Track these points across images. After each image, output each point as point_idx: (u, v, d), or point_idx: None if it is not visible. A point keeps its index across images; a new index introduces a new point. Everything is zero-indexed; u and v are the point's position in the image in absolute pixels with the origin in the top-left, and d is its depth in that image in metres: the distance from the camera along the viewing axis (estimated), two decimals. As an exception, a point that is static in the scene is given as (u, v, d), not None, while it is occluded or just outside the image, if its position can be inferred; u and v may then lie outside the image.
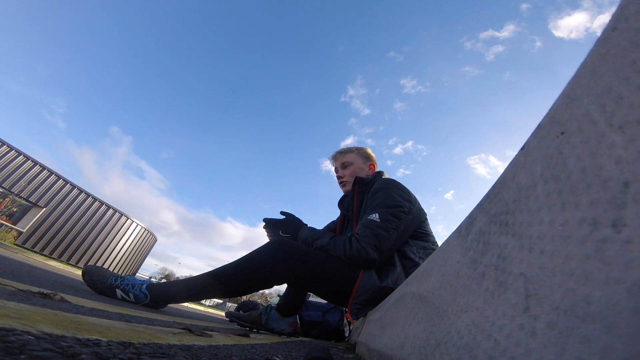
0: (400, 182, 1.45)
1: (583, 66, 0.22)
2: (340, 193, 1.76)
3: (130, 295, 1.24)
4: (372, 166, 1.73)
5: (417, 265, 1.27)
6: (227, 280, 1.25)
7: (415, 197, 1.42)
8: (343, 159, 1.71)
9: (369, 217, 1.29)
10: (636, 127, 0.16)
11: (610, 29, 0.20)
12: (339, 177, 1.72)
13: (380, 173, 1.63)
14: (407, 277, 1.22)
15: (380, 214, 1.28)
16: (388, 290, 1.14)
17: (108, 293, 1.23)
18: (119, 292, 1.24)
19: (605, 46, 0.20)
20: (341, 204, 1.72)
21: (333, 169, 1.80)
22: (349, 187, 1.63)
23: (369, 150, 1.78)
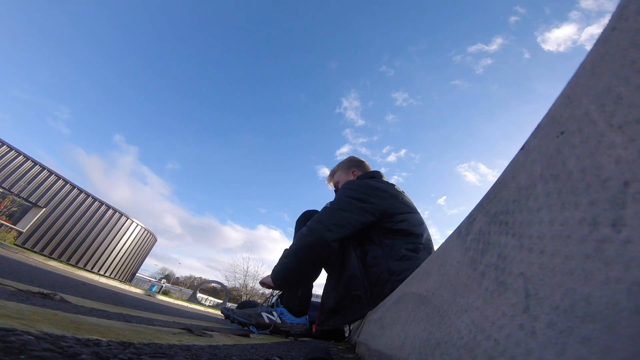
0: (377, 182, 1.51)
1: (583, 66, 0.22)
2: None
3: (274, 312, 1.38)
4: (354, 172, 1.80)
5: (378, 263, 1.31)
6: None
7: (387, 194, 1.41)
8: (334, 181, 1.86)
9: (318, 213, 1.39)
10: (636, 127, 0.16)
11: (610, 29, 0.20)
12: None
13: (361, 176, 1.71)
14: (367, 274, 1.29)
15: (330, 205, 1.38)
16: (343, 298, 1.28)
17: (256, 318, 1.38)
18: (265, 314, 1.39)
19: (605, 46, 0.20)
20: None
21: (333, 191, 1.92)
22: None
23: (353, 158, 1.87)
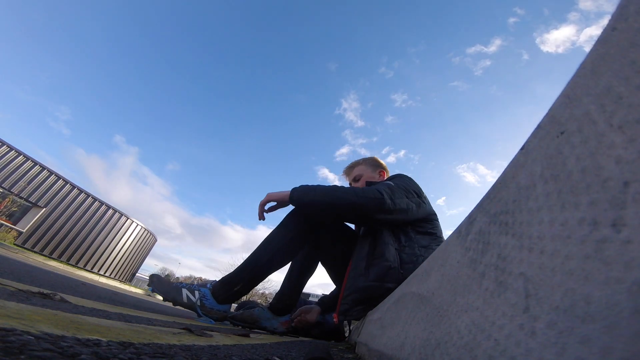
0: None
1: (583, 66, 0.22)
2: None
3: (196, 293, 1.29)
4: (382, 173, 1.77)
5: (414, 261, 1.26)
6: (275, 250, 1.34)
7: (426, 196, 1.46)
8: (354, 173, 1.78)
9: (384, 182, 1.31)
10: (636, 127, 0.16)
11: (610, 29, 0.20)
12: None
13: (402, 176, 1.67)
14: (402, 269, 1.22)
15: (394, 183, 1.32)
16: (375, 289, 1.17)
17: (173, 293, 1.28)
18: (185, 291, 1.29)
19: (605, 46, 0.20)
20: None
21: (348, 184, 1.85)
22: None
23: (377, 159, 1.82)
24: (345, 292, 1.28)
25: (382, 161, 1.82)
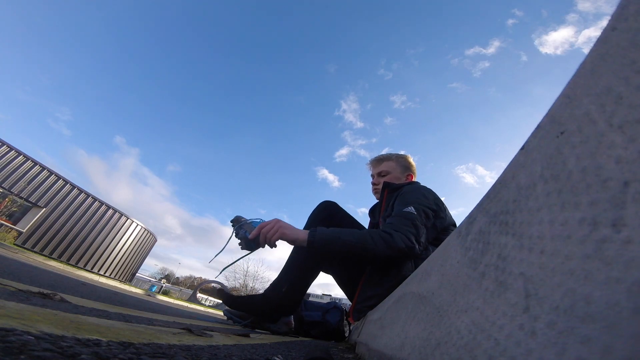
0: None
1: (582, 66, 0.22)
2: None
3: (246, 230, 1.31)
4: (409, 177, 1.64)
5: None
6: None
7: (445, 206, 1.40)
8: (381, 168, 1.65)
9: (405, 210, 1.23)
10: (636, 127, 0.16)
11: (610, 29, 0.20)
12: (373, 184, 1.67)
13: (415, 183, 1.56)
14: None
15: (415, 208, 1.24)
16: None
17: (239, 230, 1.31)
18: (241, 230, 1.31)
19: (605, 46, 0.20)
20: (372, 213, 1.66)
21: (370, 173, 1.73)
22: None
23: (410, 160, 1.67)
24: (359, 298, 1.31)
25: (413, 162, 1.66)
